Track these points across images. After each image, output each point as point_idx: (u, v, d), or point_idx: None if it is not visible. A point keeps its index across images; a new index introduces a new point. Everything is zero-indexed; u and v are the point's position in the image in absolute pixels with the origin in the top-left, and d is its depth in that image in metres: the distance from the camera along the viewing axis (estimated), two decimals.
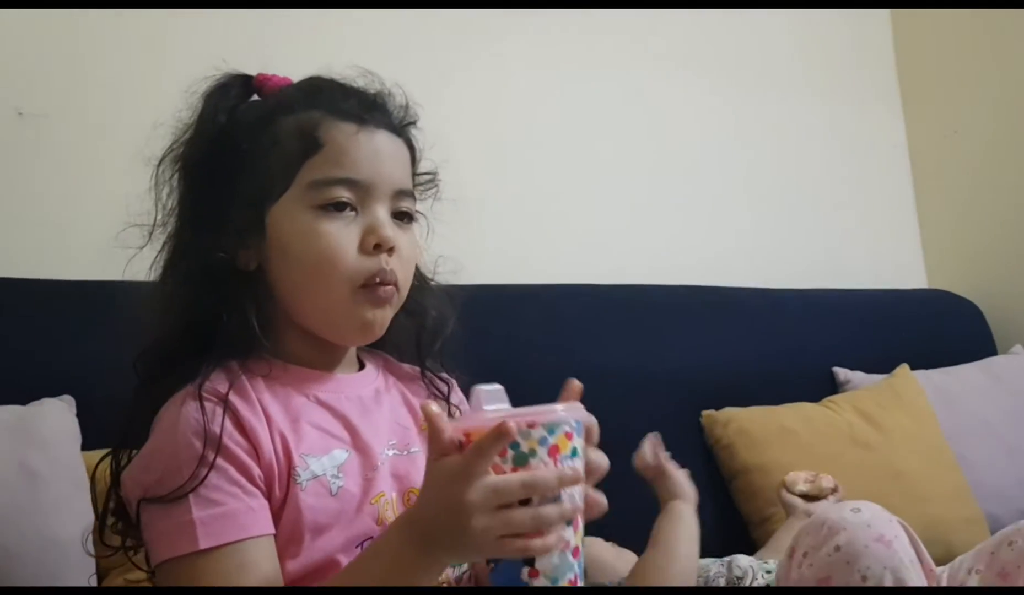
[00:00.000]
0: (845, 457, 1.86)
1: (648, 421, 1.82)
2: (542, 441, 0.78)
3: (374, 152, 0.96)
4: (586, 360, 1.81)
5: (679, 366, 1.95)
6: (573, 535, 0.79)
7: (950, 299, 2.49)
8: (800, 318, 2.20)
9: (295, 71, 1.02)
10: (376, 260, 0.94)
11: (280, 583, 0.88)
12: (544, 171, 2.14)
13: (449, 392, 1.10)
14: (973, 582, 1.18)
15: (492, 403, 0.80)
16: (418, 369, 1.09)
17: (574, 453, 0.79)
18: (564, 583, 0.78)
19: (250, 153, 0.94)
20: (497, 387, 0.82)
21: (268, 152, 0.94)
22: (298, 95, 0.98)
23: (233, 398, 0.91)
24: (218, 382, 0.92)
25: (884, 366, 2.13)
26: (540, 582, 0.78)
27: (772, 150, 2.49)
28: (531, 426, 0.77)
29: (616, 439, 1.79)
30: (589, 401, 1.82)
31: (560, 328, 1.89)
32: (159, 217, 0.98)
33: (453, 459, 0.78)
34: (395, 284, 0.96)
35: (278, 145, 0.94)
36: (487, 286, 1.81)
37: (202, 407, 0.89)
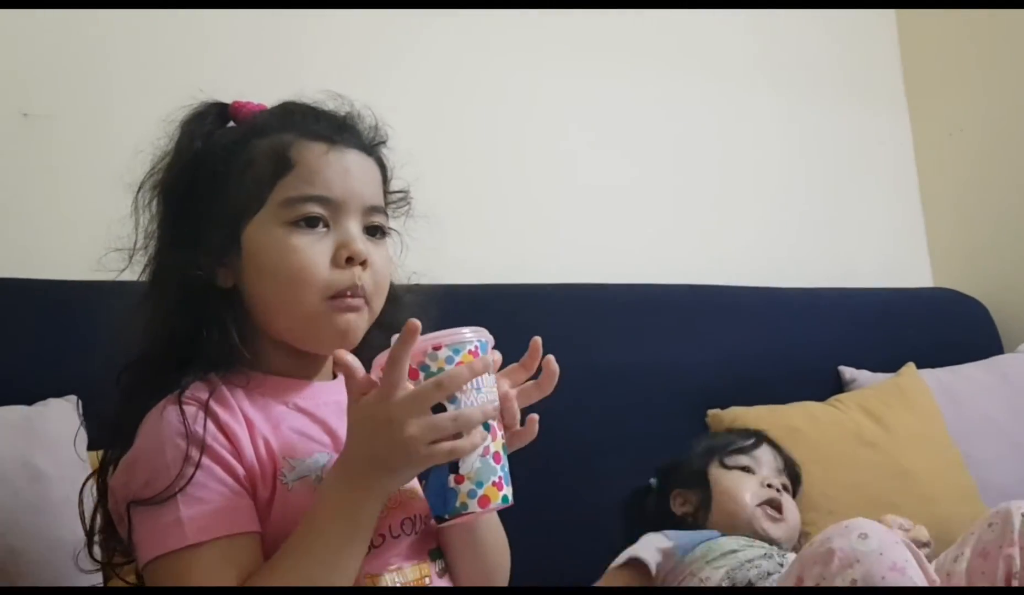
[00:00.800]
0: (851, 456, 1.85)
1: (653, 420, 1.83)
2: (448, 360, 0.87)
3: (344, 170, 0.99)
4: (591, 359, 1.82)
5: (684, 365, 1.95)
6: (492, 441, 0.88)
7: (956, 298, 2.48)
8: (805, 317, 2.20)
9: (269, 96, 1.06)
10: (348, 273, 0.97)
11: None
12: (546, 172, 2.13)
13: None
14: (960, 568, 1.22)
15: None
16: None
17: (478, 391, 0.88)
18: (488, 485, 0.88)
19: (225, 174, 0.98)
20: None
21: (242, 173, 0.97)
22: (270, 119, 1.02)
23: (214, 405, 0.94)
24: (198, 390, 0.94)
25: (890, 365, 2.13)
26: (465, 486, 0.87)
27: (778, 149, 2.49)
28: (436, 348, 0.87)
29: (621, 436, 1.81)
30: (594, 399, 1.82)
31: (565, 327, 1.88)
32: (139, 241, 1.01)
33: (372, 392, 0.87)
34: (365, 297, 0.99)
35: (252, 166, 0.98)
36: (491, 286, 1.81)
37: (182, 411, 0.92)
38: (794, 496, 1.64)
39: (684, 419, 1.87)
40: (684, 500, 1.64)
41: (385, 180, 1.07)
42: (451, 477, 0.87)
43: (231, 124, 1.04)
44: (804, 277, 2.32)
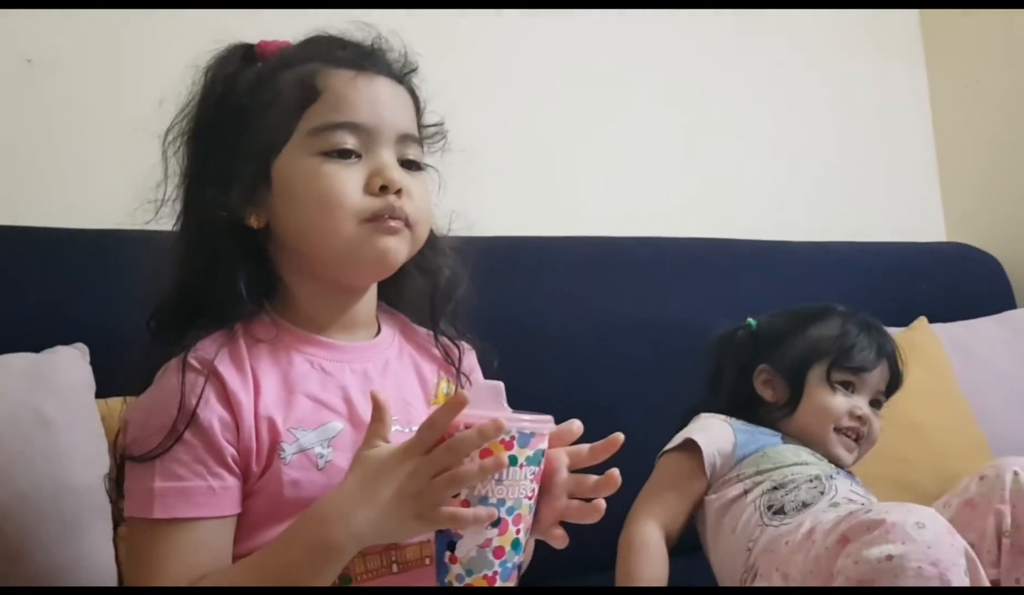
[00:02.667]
0: None
1: (664, 372, 1.82)
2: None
3: (374, 97, 0.96)
4: (600, 312, 1.82)
5: (695, 318, 1.93)
6: (498, 536, 0.84)
7: (970, 253, 2.46)
8: (818, 271, 2.18)
9: (296, 34, 1.03)
10: (383, 199, 0.94)
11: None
12: (558, 123, 2.11)
13: (461, 359, 1.10)
14: (946, 516, 1.14)
15: (482, 402, 0.85)
16: (432, 336, 1.10)
17: (512, 461, 0.83)
18: (478, 576, 0.84)
19: (251, 110, 0.95)
20: (496, 384, 0.87)
21: (269, 106, 0.95)
22: (295, 51, 0.99)
23: (222, 367, 0.92)
24: (209, 349, 0.93)
25: (902, 319, 2.11)
26: (456, 568, 0.84)
27: (791, 102, 2.46)
28: (467, 427, 0.82)
29: (632, 391, 1.80)
30: (605, 353, 1.81)
31: (575, 280, 1.88)
32: (167, 190, 0.99)
33: (396, 446, 0.85)
34: (406, 221, 0.96)
35: (278, 99, 0.95)
36: (501, 238, 1.80)
37: (183, 378, 0.90)
38: (887, 398, 1.49)
39: (693, 372, 1.86)
40: (770, 384, 1.45)
41: (418, 111, 1.04)
42: (447, 553, 0.85)
43: (258, 65, 1.01)
44: (816, 231, 2.30)
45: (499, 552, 0.84)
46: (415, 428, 0.99)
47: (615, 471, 0.90)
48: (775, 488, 1.28)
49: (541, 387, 1.51)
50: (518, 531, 0.86)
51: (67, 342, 1.31)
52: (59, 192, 1.56)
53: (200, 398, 0.89)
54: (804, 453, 1.35)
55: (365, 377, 1.00)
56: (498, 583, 0.85)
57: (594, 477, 0.91)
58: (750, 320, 1.53)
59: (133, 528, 0.91)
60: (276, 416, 0.92)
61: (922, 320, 2.11)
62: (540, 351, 1.69)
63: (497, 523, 0.83)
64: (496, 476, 0.82)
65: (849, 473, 1.38)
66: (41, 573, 1.14)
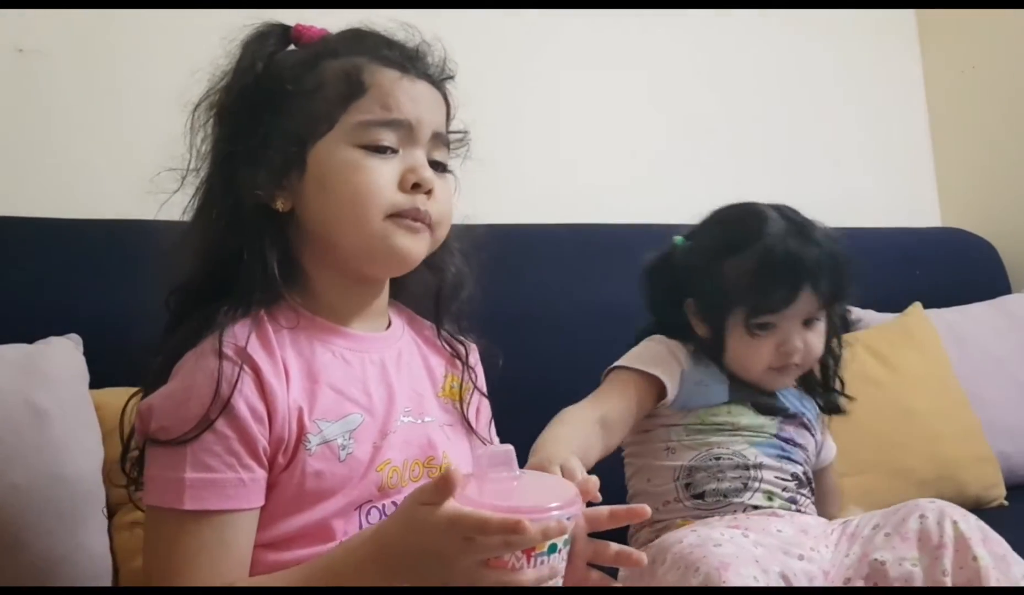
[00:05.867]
0: (856, 396, 1.84)
1: None
2: (551, 548, 0.80)
3: (416, 98, 0.98)
4: (593, 300, 1.81)
5: None
6: None
7: (964, 237, 2.46)
8: None
9: (332, 25, 1.04)
10: (412, 198, 0.96)
11: (249, 561, 0.90)
12: (552, 111, 2.11)
13: (467, 356, 1.12)
14: (880, 538, 1.16)
15: (499, 466, 0.83)
16: (435, 329, 1.11)
17: (551, 549, 0.81)
18: None
19: (294, 94, 0.96)
20: (507, 449, 0.84)
21: (312, 93, 0.96)
22: (342, 41, 1.00)
23: (256, 355, 0.91)
24: (240, 335, 0.92)
25: (896, 305, 2.11)
26: None
27: (785, 85, 2.45)
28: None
29: None
30: (601, 339, 1.80)
31: (569, 268, 1.88)
32: (192, 163, 0.99)
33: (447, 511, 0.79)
34: (429, 223, 0.97)
35: (323, 87, 0.96)
36: (495, 226, 1.79)
37: (220, 366, 0.89)
38: (833, 307, 1.40)
39: None
40: (698, 320, 1.37)
41: (448, 116, 1.06)
42: None
43: (292, 48, 1.01)
44: (811, 215, 2.29)
45: None
46: (428, 419, 1.00)
47: (645, 508, 0.90)
48: (697, 469, 1.28)
49: (536, 375, 1.52)
50: None
51: (60, 333, 1.31)
52: (51, 182, 1.55)
53: (235, 388, 0.89)
54: (745, 416, 1.32)
55: (383, 368, 1.01)
56: None
57: (615, 546, 0.90)
58: (676, 239, 1.45)
59: (157, 517, 0.90)
60: (304, 406, 0.93)
61: (917, 305, 2.11)
62: (534, 338, 1.68)
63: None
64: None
65: (783, 443, 1.33)
66: (37, 564, 1.14)
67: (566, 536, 0.82)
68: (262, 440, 0.90)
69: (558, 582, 0.84)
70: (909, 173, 2.66)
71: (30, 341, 1.28)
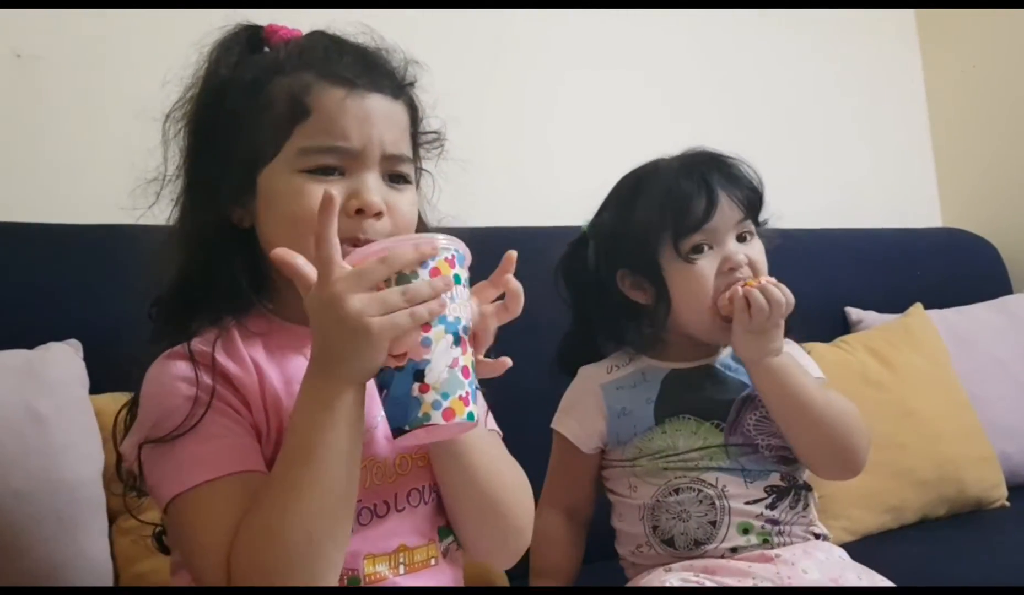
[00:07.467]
0: (857, 397, 1.82)
1: None
2: (423, 264, 0.83)
3: (364, 117, 0.95)
4: None
5: None
6: (462, 355, 0.83)
7: (965, 238, 2.46)
8: (813, 257, 2.17)
9: (304, 23, 1.02)
10: (355, 223, 0.93)
11: None
12: (540, 111, 2.11)
13: None
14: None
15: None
16: None
17: (456, 280, 0.84)
18: (454, 397, 0.82)
19: (244, 115, 0.95)
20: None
21: (260, 115, 0.95)
22: (291, 55, 0.98)
23: (221, 358, 0.92)
24: (205, 342, 0.93)
25: (898, 305, 2.11)
26: (429, 396, 0.81)
27: (784, 85, 2.45)
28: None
29: None
30: None
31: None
32: (168, 173, 0.99)
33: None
34: None
35: (269, 109, 0.95)
36: (519, 228, 1.79)
37: (194, 362, 0.91)
38: (756, 219, 1.31)
39: None
40: (637, 285, 1.29)
41: (415, 121, 1.03)
42: (415, 385, 0.82)
43: (266, 50, 1.00)
44: (811, 217, 2.29)
45: (465, 372, 0.84)
46: None
47: (510, 276, 0.91)
48: (660, 508, 1.23)
49: (526, 375, 1.51)
50: (472, 351, 0.86)
51: (60, 338, 1.31)
52: (50, 188, 1.55)
53: (213, 373, 0.90)
54: (683, 431, 1.25)
55: None
56: (469, 405, 0.83)
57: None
58: (582, 224, 1.37)
59: (182, 505, 0.88)
60: (283, 404, 0.93)
61: (918, 306, 2.11)
62: (535, 340, 1.68)
63: (458, 342, 0.83)
64: (448, 295, 0.83)
65: (738, 455, 1.24)
66: (38, 569, 1.14)
67: (467, 274, 0.86)
68: (249, 416, 0.91)
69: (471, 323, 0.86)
70: (909, 173, 2.66)
71: (30, 346, 1.28)
